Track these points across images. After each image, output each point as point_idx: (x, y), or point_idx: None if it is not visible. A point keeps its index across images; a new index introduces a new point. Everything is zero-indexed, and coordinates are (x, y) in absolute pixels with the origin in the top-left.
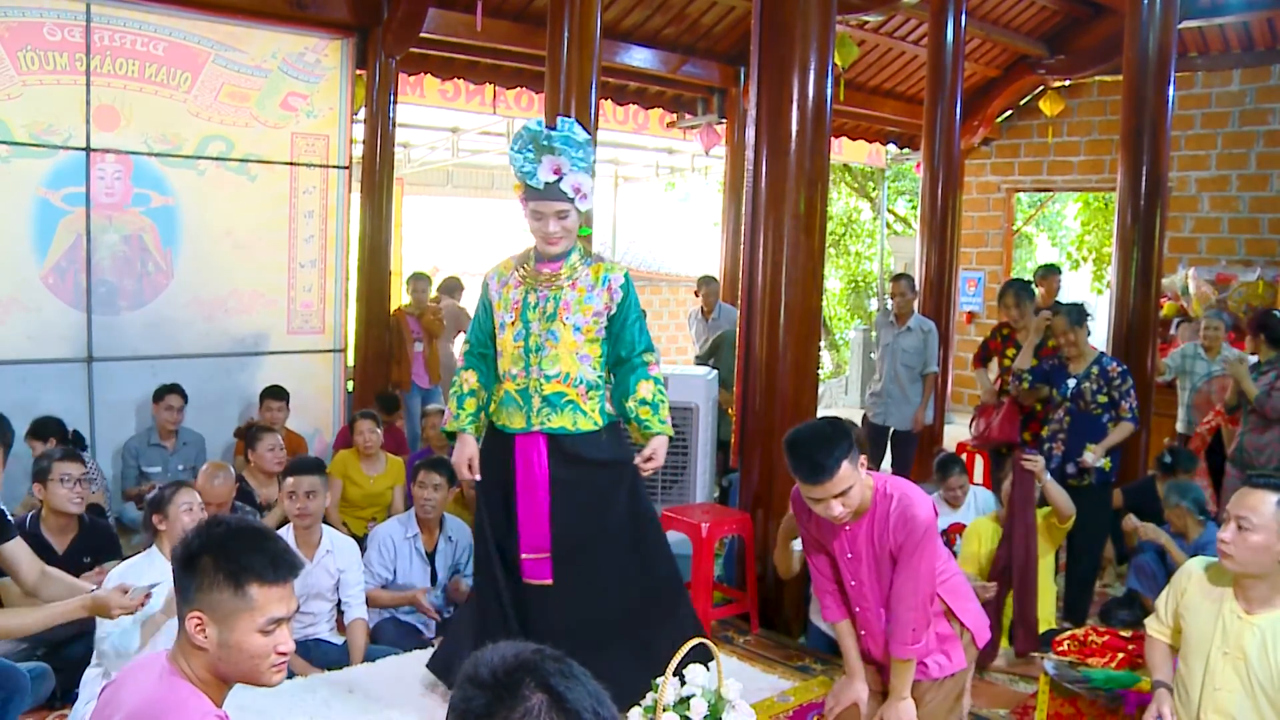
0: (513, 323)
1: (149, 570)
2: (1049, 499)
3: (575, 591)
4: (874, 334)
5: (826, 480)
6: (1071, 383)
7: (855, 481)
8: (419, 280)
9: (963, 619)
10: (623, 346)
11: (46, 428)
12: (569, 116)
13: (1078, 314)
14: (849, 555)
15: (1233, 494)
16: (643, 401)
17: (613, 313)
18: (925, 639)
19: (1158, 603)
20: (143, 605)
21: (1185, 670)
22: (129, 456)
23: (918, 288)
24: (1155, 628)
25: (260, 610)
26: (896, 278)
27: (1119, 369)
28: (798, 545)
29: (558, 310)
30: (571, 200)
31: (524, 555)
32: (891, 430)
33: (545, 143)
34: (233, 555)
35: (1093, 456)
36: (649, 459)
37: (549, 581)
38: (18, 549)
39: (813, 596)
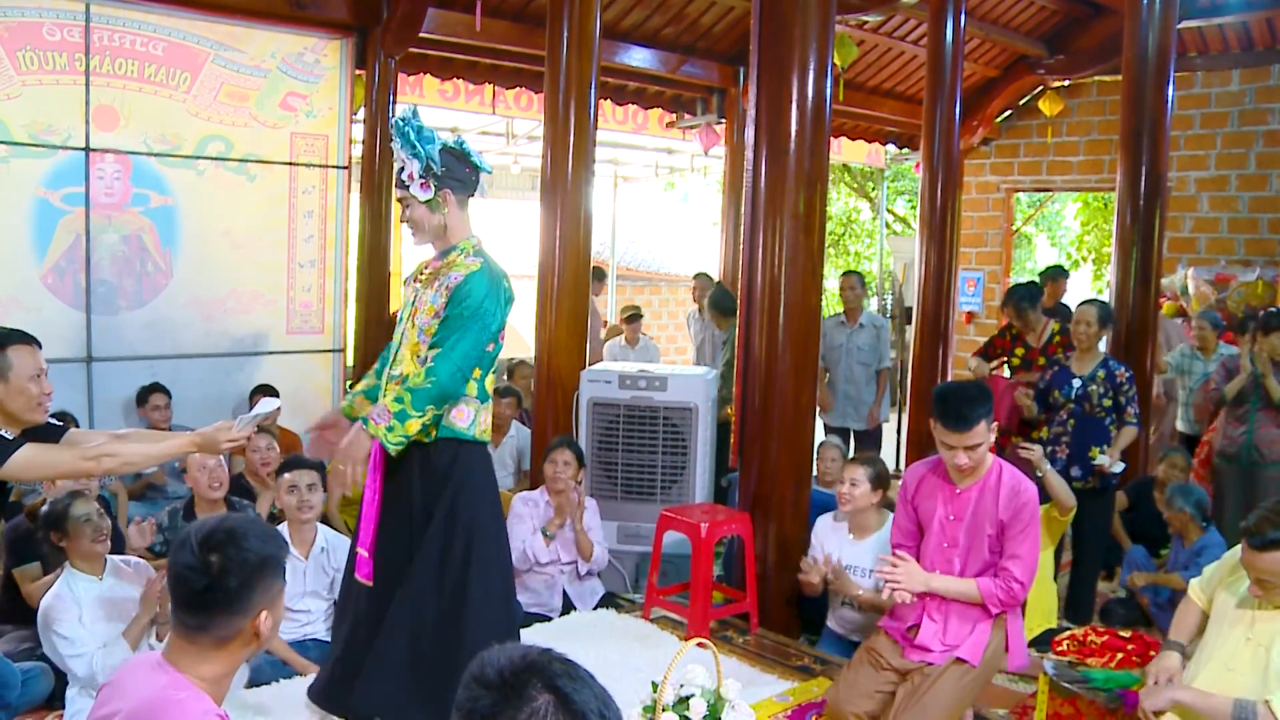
0: (400, 322)
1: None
2: (1050, 491)
3: (380, 604)
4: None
5: (965, 430)
6: (1076, 383)
7: (985, 441)
8: None
9: (1009, 631)
10: (432, 339)
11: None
12: (568, 116)
13: (1108, 313)
14: (951, 518)
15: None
16: (392, 393)
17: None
18: (999, 599)
19: (1207, 569)
20: (249, 439)
21: (1206, 642)
22: None
23: (917, 287)
24: (1195, 592)
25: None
26: (847, 274)
27: (1126, 373)
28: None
29: (413, 309)
30: (406, 187)
31: (358, 549)
32: (851, 431)
33: (394, 135)
34: (276, 551)
35: (1109, 461)
36: (340, 443)
37: (369, 583)
38: (79, 432)
39: (830, 606)
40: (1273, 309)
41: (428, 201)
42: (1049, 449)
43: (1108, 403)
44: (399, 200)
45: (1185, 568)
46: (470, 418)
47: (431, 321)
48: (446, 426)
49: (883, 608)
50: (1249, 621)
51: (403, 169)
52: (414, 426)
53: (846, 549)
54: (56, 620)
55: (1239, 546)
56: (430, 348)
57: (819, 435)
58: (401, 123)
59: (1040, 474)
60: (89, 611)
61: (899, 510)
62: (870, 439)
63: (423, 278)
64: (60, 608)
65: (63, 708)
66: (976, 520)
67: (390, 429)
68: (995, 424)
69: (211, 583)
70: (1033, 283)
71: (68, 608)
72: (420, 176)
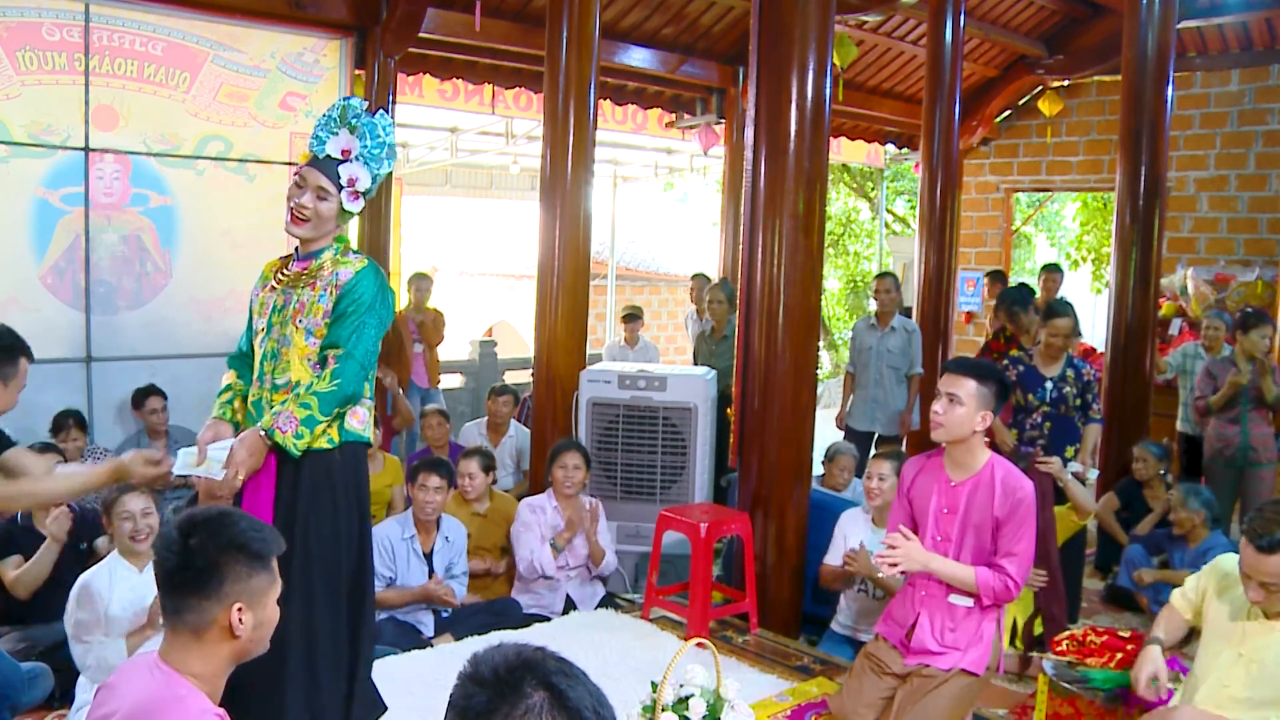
0: (264, 328)
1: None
2: (1072, 498)
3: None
4: (847, 340)
5: (952, 374)
6: (1049, 385)
7: (968, 407)
8: (420, 280)
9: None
10: (325, 339)
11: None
12: (568, 116)
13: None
14: (945, 510)
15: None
16: (293, 395)
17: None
18: (994, 591)
19: (1189, 579)
20: (168, 479)
21: (1201, 658)
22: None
23: (916, 287)
24: (1178, 600)
25: (278, 579)
26: (881, 275)
27: (1092, 372)
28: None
29: (292, 312)
30: (341, 187)
31: None
32: (876, 436)
33: (353, 120)
34: (252, 539)
35: (1082, 468)
36: (228, 466)
37: None
38: (16, 452)
39: (844, 591)
40: (1249, 308)
41: (348, 210)
42: (1023, 450)
43: (1078, 402)
44: (314, 186)
45: (1193, 567)
46: (365, 420)
47: (321, 322)
48: (347, 431)
49: (894, 589)
50: (1240, 636)
51: (344, 161)
52: (320, 431)
53: (870, 536)
54: (83, 599)
55: (1226, 557)
56: (326, 348)
57: (834, 439)
58: (379, 124)
59: (1061, 484)
60: (119, 598)
61: (895, 503)
62: (895, 444)
63: (285, 277)
64: (94, 587)
65: (63, 707)
66: (971, 515)
67: (299, 436)
68: (985, 415)
69: (179, 562)
70: (1024, 285)
71: (100, 588)
72: (362, 189)
